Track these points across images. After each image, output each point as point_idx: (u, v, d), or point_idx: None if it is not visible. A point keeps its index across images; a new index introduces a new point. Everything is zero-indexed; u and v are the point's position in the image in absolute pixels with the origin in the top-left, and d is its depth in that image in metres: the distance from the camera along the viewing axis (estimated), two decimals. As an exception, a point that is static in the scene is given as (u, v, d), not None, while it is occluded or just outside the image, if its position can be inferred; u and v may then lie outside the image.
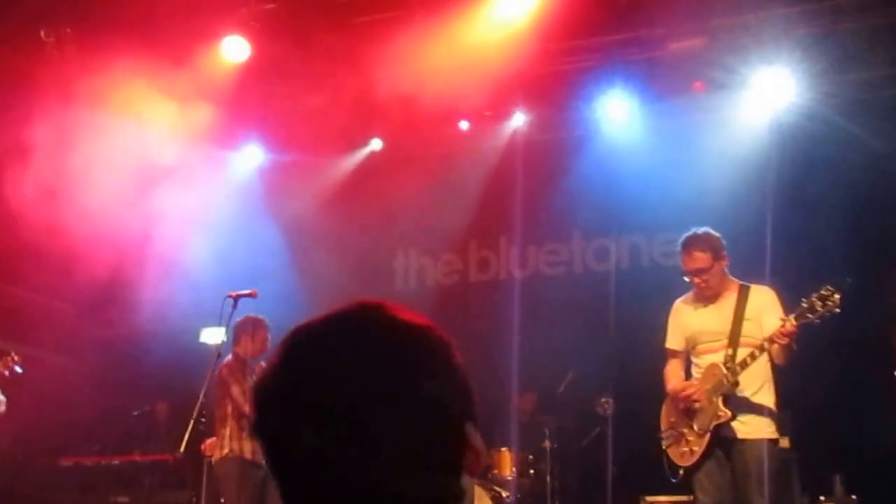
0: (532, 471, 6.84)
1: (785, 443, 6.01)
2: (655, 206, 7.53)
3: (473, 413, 1.14)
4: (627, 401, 6.68)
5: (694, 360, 4.88)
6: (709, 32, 6.90)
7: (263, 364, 5.97)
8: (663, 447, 4.91)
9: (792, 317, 4.35)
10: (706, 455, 4.66)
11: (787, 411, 6.23)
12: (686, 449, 4.74)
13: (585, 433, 7.09)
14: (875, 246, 6.87)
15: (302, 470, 1.08)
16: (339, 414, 1.05)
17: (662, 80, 7.26)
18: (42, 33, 7.27)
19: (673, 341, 4.95)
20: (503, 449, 6.73)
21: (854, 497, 6.16)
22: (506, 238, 8.45)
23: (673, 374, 4.94)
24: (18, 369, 6.25)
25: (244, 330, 6.12)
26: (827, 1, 6.69)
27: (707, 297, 4.79)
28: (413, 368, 1.08)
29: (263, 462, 5.38)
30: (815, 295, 4.31)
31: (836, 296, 4.24)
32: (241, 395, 5.90)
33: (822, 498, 6.25)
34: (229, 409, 5.97)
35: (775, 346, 4.46)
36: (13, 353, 6.25)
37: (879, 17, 6.64)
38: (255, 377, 6.01)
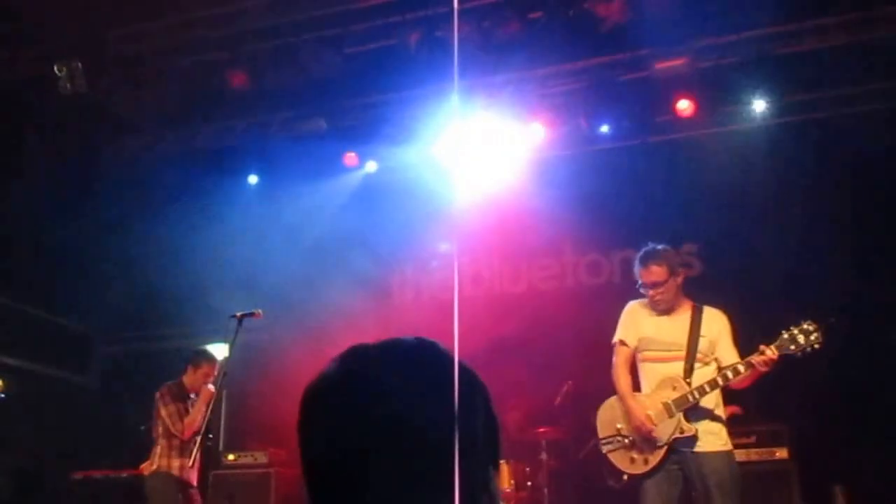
0: (529, 483, 6.60)
1: (783, 453, 5.88)
2: (646, 222, 7.44)
3: (498, 458, 1.14)
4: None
5: (642, 364, 4.80)
6: (691, 53, 6.83)
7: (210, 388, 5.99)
8: (604, 451, 4.78)
9: (774, 346, 4.30)
10: (659, 466, 4.56)
11: (787, 422, 6.10)
12: (638, 457, 4.63)
13: (582, 445, 6.93)
14: (859, 258, 6.68)
15: (328, 480, 1.07)
16: (370, 434, 1.05)
17: (648, 99, 7.18)
18: (55, 67, 7.31)
19: (626, 334, 4.86)
20: (500, 462, 6.56)
21: (855, 508, 5.93)
22: (498, 253, 8.32)
23: (623, 375, 4.82)
24: (2, 395, 6.18)
25: (190, 361, 6.28)
26: (807, 21, 6.58)
27: (660, 309, 4.75)
28: (448, 407, 1.05)
29: (192, 479, 5.18)
30: (795, 328, 4.28)
31: (817, 334, 4.24)
32: (168, 417, 6.04)
33: (823, 508, 6.00)
34: (160, 429, 6.09)
35: (744, 372, 4.39)
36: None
37: (857, 35, 6.52)
38: (193, 405, 6.10)
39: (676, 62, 6.89)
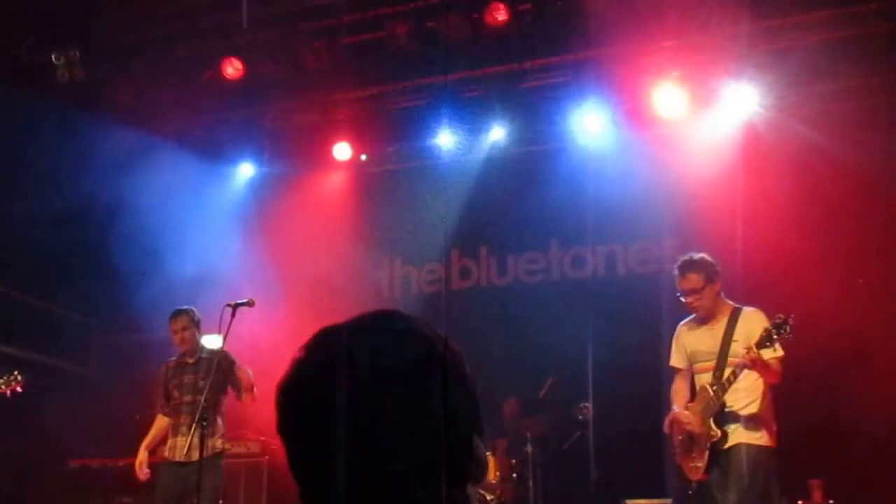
0: (514, 475, 6.49)
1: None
2: (631, 217, 7.29)
3: (479, 425, 1.12)
4: (606, 406, 6.47)
5: (695, 377, 4.93)
6: (677, 48, 6.68)
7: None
8: (677, 460, 4.92)
9: (753, 344, 4.42)
10: (707, 470, 4.70)
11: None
12: (692, 465, 4.77)
13: (566, 437, 6.81)
14: (844, 254, 6.56)
15: (315, 468, 1.05)
16: (350, 416, 1.02)
17: (634, 94, 7.01)
18: (53, 56, 7.20)
19: (676, 360, 5.02)
20: (486, 453, 6.46)
21: (832, 501, 5.88)
22: (486, 248, 8.16)
23: (679, 392, 4.98)
24: (19, 389, 5.98)
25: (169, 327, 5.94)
26: (791, 16, 6.45)
27: (701, 317, 4.86)
28: (423, 377, 1.05)
29: (181, 459, 4.92)
30: (771, 324, 4.42)
31: (787, 325, 4.35)
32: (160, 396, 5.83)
33: (799, 502, 5.92)
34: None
35: (739, 373, 4.53)
36: (17, 373, 5.96)
37: (841, 31, 6.41)
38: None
39: (661, 55, 6.72)
